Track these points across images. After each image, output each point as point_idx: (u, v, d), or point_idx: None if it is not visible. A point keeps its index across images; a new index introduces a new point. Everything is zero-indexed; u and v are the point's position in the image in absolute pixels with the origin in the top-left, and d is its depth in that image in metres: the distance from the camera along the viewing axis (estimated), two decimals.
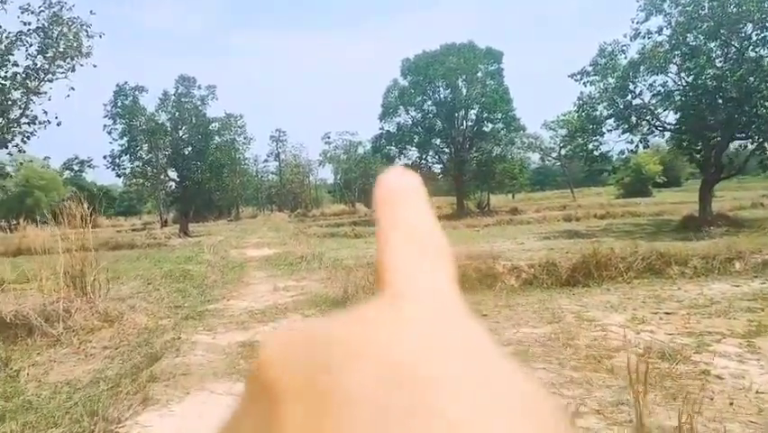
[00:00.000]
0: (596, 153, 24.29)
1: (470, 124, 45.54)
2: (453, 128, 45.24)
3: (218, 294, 11.46)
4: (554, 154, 74.79)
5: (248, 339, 7.51)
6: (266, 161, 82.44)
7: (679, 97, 22.36)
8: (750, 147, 22.82)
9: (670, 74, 22.61)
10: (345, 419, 0.22)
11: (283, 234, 31.31)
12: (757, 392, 5.27)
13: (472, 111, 45.03)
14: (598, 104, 23.48)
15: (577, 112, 24.07)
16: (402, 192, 0.34)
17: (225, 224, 56.85)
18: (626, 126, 23.20)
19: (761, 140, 21.12)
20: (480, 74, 45.15)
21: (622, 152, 26.03)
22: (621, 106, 23.28)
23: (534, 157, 78.45)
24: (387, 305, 0.27)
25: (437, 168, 48.06)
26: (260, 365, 0.26)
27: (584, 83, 23.91)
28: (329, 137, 74.28)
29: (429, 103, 45.49)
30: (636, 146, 24.32)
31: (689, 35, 20.68)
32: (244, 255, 20.22)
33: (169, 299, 11.43)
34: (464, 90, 44.53)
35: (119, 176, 43.82)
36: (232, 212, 72.50)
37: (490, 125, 45.54)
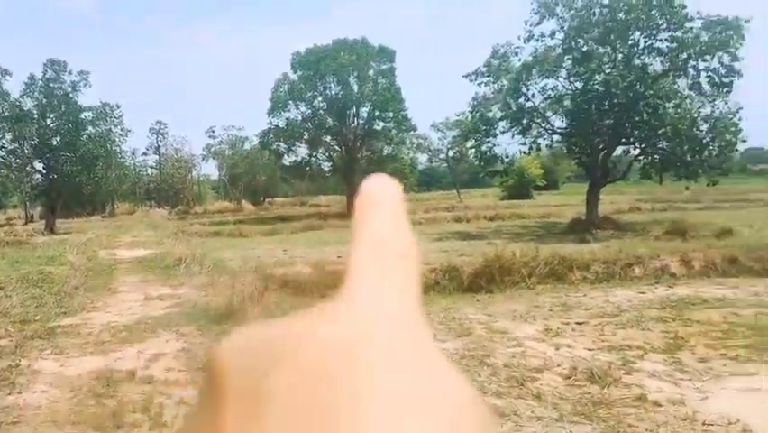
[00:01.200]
0: (489, 155, 24.22)
1: (361, 122, 44.74)
2: (344, 126, 44.28)
3: (78, 304, 9.84)
4: (442, 156, 75.67)
5: (105, 368, 6.10)
6: (145, 154, 77.84)
7: (569, 102, 22.66)
8: (633, 153, 23.55)
9: (560, 78, 22.93)
10: (270, 420, 0.24)
11: (161, 232, 29.10)
12: (704, 424, 4.68)
13: (364, 109, 44.27)
14: (492, 105, 23.40)
15: (471, 113, 23.88)
16: (379, 201, 0.34)
17: (99, 220, 52.82)
18: (519, 129, 23.25)
19: (644, 146, 21.77)
20: (372, 72, 44.47)
21: (511, 155, 26.11)
22: (514, 108, 23.30)
23: (422, 158, 79.02)
24: (333, 309, 0.28)
25: (327, 166, 46.93)
26: (212, 362, 0.27)
27: (478, 84, 23.83)
28: (213, 131, 71.15)
29: (320, 99, 44.25)
30: (530, 148, 24.49)
31: (580, 40, 20.95)
32: (114, 256, 18.26)
33: (19, 310, 9.70)
34: (356, 88, 43.67)
35: None
36: (106, 208, 67.88)
37: (382, 124, 45.01)
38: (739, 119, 21.36)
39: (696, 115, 21.87)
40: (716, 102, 22.37)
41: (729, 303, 9.07)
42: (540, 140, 24.14)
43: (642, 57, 21.31)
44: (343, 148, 45.13)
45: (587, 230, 21.88)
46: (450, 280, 11.65)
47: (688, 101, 22.62)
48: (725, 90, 20.65)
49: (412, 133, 50.86)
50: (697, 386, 5.54)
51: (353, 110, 44.55)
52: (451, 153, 73.66)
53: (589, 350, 6.88)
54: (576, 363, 6.26)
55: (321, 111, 44.49)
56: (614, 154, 23.14)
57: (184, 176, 78.20)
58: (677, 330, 7.66)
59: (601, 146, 22.92)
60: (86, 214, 64.23)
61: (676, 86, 22.15)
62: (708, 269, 11.51)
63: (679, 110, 21.54)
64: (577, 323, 8.30)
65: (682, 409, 4.98)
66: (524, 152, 25.06)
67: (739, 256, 11.72)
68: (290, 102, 44.48)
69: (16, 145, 39.63)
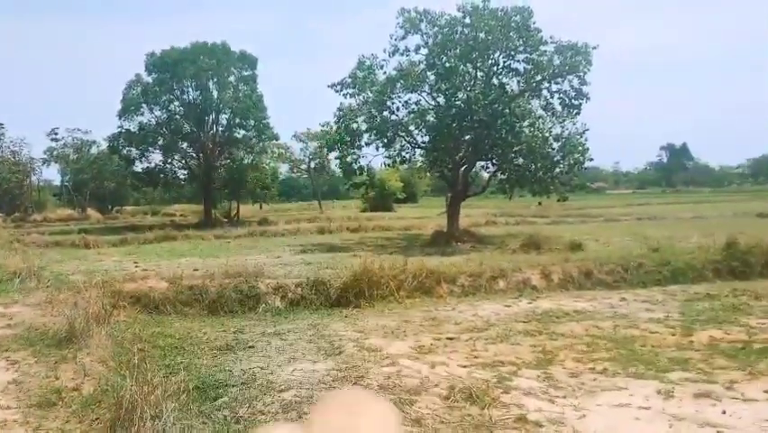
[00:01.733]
0: (354, 166, 24.09)
1: (221, 129, 43.14)
2: (203, 132, 42.42)
3: None
4: (303, 166, 75.09)
5: None
6: None
7: (432, 117, 23.09)
8: (491, 168, 24.43)
9: (423, 93, 23.29)
10: None
11: None
12: None
13: (224, 116, 42.71)
14: (357, 117, 23.31)
15: (336, 123, 23.63)
16: None
17: None
18: (384, 141, 23.34)
19: (501, 162, 22.63)
20: (232, 78, 43.09)
21: (374, 168, 26.15)
22: (378, 121, 23.36)
23: (283, 168, 77.88)
24: None
25: (183, 173, 44.72)
26: None
27: (344, 95, 23.65)
28: (56, 133, 65.67)
29: (177, 103, 42.08)
30: (393, 161, 24.65)
31: (443, 56, 21.41)
32: None
33: None
34: (215, 93, 42.07)
35: None
36: None
37: (242, 132, 43.67)
38: (585, 139, 22.81)
39: (548, 135, 23.08)
40: (565, 123, 23.78)
41: (589, 316, 9.38)
42: (404, 153, 24.33)
43: (500, 76, 22.19)
44: (201, 155, 43.25)
45: (448, 242, 22.35)
46: (317, 295, 11.22)
47: (540, 121, 23.83)
48: (575, 112, 22.00)
49: (273, 142, 49.86)
50: (573, 403, 5.52)
51: (212, 116, 42.88)
52: (312, 164, 73.47)
53: (464, 367, 6.74)
54: (453, 381, 6.05)
55: (177, 116, 42.39)
56: (473, 170, 23.82)
57: (21, 180, 71.58)
58: (545, 344, 7.74)
59: (462, 161, 23.53)
60: None
61: (530, 106, 23.28)
62: (566, 282, 11.97)
63: (533, 129, 22.58)
64: (448, 338, 8.18)
65: (563, 430, 4.90)
66: (388, 165, 25.19)
67: (593, 270, 12.30)
68: (144, 105, 41.97)
69: None
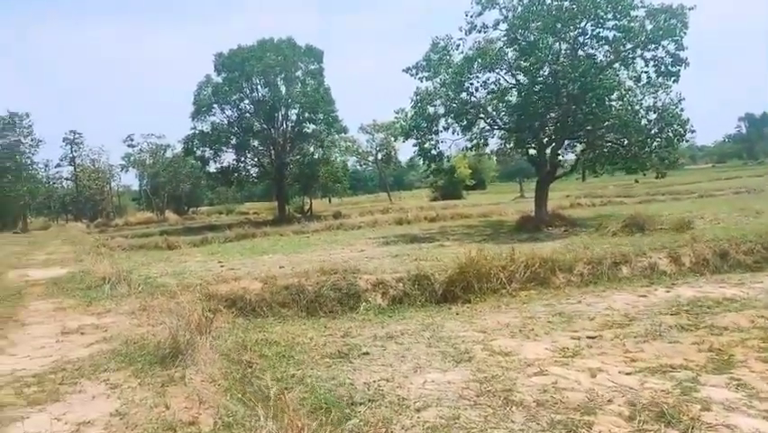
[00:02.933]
0: (434, 152, 23.08)
1: (290, 124, 42.90)
2: (273, 128, 42.30)
3: None
4: (371, 158, 74.57)
5: None
6: (59, 165, 72.96)
7: (515, 95, 21.81)
8: (578, 147, 22.93)
9: (502, 71, 21.98)
10: None
11: (80, 247, 26.47)
12: None
13: (293, 111, 42.45)
14: (434, 100, 22.26)
15: (413, 108, 22.65)
16: None
17: (11, 236, 48.42)
18: (463, 125, 22.21)
19: (591, 139, 21.11)
20: (299, 72, 42.75)
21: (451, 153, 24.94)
22: (456, 104, 22.25)
23: (350, 161, 77.58)
24: None
25: (255, 171, 44.68)
26: None
27: (419, 78, 22.65)
28: (132, 139, 67.30)
29: (246, 101, 42.09)
30: (477, 145, 23.48)
31: (525, 30, 20.04)
32: (26, 277, 15.95)
33: None
34: (283, 89, 41.81)
35: None
36: (18, 223, 63.01)
37: (312, 126, 43.30)
38: (681, 110, 21.04)
39: (638, 107, 21.48)
40: (658, 93, 22.04)
41: (746, 304, 8.11)
42: (485, 135, 23.10)
43: (586, 47, 20.66)
44: (272, 152, 43.14)
45: (538, 228, 21.04)
46: (420, 290, 10.32)
47: (630, 93, 22.19)
48: (672, 79, 20.23)
49: (344, 135, 49.37)
50: None
51: (282, 112, 42.66)
52: (380, 156, 72.82)
53: (628, 374, 5.66)
54: (627, 394, 5.00)
55: (248, 114, 42.45)
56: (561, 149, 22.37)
57: (102, 187, 73.99)
58: (710, 341, 6.56)
59: (548, 141, 22.14)
60: None
61: (618, 76, 21.68)
62: (700, 265, 10.65)
63: (622, 102, 21.04)
64: (589, 337, 7.10)
65: None
66: (469, 149, 23.97)
67: (729, 250, 10.91)
68: (215, 105, 42.16)
69: None
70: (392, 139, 70.72)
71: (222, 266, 17.42)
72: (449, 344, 7.21)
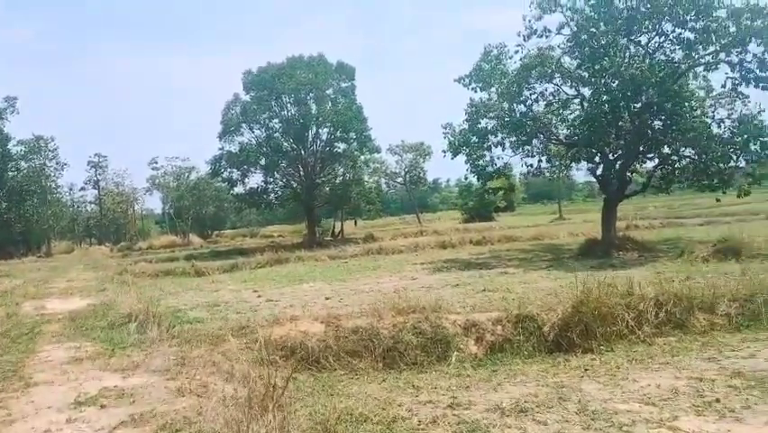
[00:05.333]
0: (489, 169, 21.01)
1: (321, 143, 41.13)
2: (303, 148, 40.55)
3: None
4: (399, 179, 72.73)
5: None
6: (83, 188, 72.08)
7: (577, 106, 19.77)
8: (649, 162, 20.75)
9: (565, 81, 19.92)
10: None
11: (103, 273, 24.67)
12: None
13: (324, 130, 40.69)
14: (489, 112, 20.25)
15: (467, 121, 20.68)
16: None
17: (34, 261, 46.97)
18: (522, 140, 20.12)
19: (670, 153, 18.88)
20: (330, 90, 41.08)
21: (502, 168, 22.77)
22: (512, 117, 20.25)
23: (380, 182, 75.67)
24: None
25: (285, 192, 42.83)
26: None
27: (472, 89, 20.67)
28: (156, 162, 66.10)
29: (276, 120, 40.43)
30: (539, 162, 21.37)
31: (595, 32, 17.96)
32: (43, 310, 14.03)
33: None
34: (314, 107, 40.13)
35: None
36: (42, 247, 61.84)
37: (343, 146, 41.51)
38: (762, 121, 18.82)
39: (711, 118, 19.40)
40: (735, 103, 19.92)
41: None
42: (547, 152, 21.02)
43: (660, 51, 18.55)
44: (302, 172, 41.38)
45: (608, 252, 18.83)
46: (525, 335, 8.20)
47: (708, 101, 20.09)
48: (762, 86, 18.00)
49: (378, 155, 47.63)
50: None
51: (312, 131, 40.94)
52: (408, 177, 70.89)
53: None
54: None
55: (277, 133, 40.76)
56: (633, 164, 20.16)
57: (126, 210, 72.94)
58: None
59: (614, 156, 19.99)
60: (20, 254, 58.29)
61: (696, 83, 19.60)
62: None
63: (698, 111, 18.94)
64: None
65: None
66: (529, 165, 21.82)
67: None
68: (243, 125, 40.61)
69: None
70: (421, 160, 69.10)
71: (259, 296, 15.50)
72: (614, 425, 5.09)
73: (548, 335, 8.07)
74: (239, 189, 42.48)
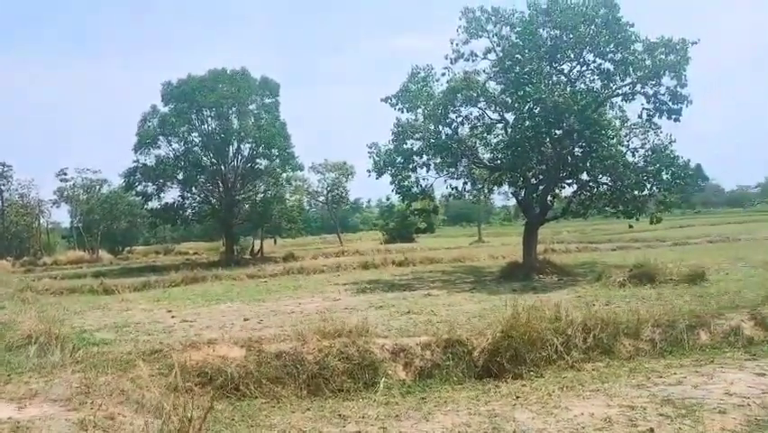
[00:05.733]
0: (414, 190, 20.94)
1: (242, 159, 40.16)
2: (224, 164, 39.48)
3: None
4: (321, 198, 72.26)
5: None
6: None
7: (501, 131, 20.07)
8: (567, 188, 21.25)
9: (490, 104, 20.20)
10: None
11: (2, 290, 23.01)
12: None
13: (246, 146, 39.76)
14: (416, 133, 20.26)
15: (393, 141, 20.60)
16: None
17: None
18: (449, 161, 20.19)
19: (589, 179, 19.40)
20: (253, 106, 40.29)
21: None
22: (437, 139, 20.33)
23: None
24: None
25: (203, 208, 41.47)
26: None
27: (399, 109, 20.64)
28: (65, 173, 62.74)
29: (195, 134, 39.12)
30: (465, 184, 21.47)
31: (520, 59, 18.30)
32: None
33: None
34: (236, 122, 39.20)
35: None
36: None
37: (265, 162, 40.70)
38: (671, 152, 19.67)
39: (633, 146, 20.19)
40: (647, 134, 20.76)
41: None
42: (473, 174, 21.16)
43: (584, 80, 19.15)
44: (222, 188, 40.26)
45: (528, 275, 19.09)
46: (454, 360, 7.99)
47: (623, 131, 20.84)
48: (673, 117, 18.83)
49: (300, 172, 46.93)
50: None
51: (234, 146, 39.98)
52: (330, 196, 70.50)
53: None
54: None
55: (197, 147, 39.52)
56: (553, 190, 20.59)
57: (30, 223, 68.78)
58: None
59: (536, 180, 20.39)
60: None
61: (613, 112, 20.32)
62: None
63: (614, 140, 19.59)
64: None
65: None
66: (454, 188, 21.89)
67: None
68: (161, 137, 39.10)
69: None
70: (343, 179, 68.96)
71: (173, 317, 14.76)
72: None
73: (478, 360, 7.89)
74: (154, 204, 40.75)
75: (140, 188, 39.86)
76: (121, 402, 6.20)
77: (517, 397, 6.84)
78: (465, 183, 21.50)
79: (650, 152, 19.76)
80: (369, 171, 21.51)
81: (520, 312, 8.23)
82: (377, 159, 21.55)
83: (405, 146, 21.26)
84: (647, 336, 8.40)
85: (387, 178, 21.45)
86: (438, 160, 20.85)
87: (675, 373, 7.22)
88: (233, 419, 6.47)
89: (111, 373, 7.27)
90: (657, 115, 19.09)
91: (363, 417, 6.50)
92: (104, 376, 7.06)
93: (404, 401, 7.05)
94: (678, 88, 18.75)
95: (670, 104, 18.81)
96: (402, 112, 20.74)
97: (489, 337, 8.03)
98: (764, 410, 5.75)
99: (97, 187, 63.42)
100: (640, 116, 19.39)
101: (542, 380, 7.41)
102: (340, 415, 6.62)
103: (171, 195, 40.43)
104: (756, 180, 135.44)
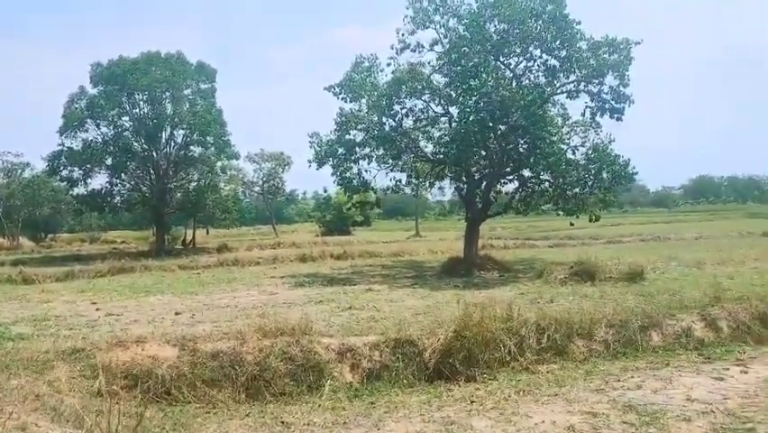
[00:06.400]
0: (355, 182, 20.40)
1: (175, 146, 38.61)
2: (156, 150, 37.83)
3: None
4: (257, 189, 70.85)
5: None
6: None
7: (445, 126, 19.78)
8: (509, 184, 21.17)
9: (435, 96, 19.87)
10: None
11: None
12: None
13: (179, 132, 38.21)
14: (359, 125, 19.74)
15: (336, 132, 19.99)
16: None
17: None
18: (393, 153, 19.74)
19: (531, 176, 19.36)
20: (189, 91, 38.76)
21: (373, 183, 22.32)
22: (380, 131, 19.87)
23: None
24: None
25: (133, 195, 39.69)
26: None
27: (342, 99, 20.05)
28: None
29: (126, 118, 37.36)
30: (409, 177, 21.03)
31: (467, 52, 17.99)
32: None
33: None
34: (170, 107, 37.63)
35: None
36: None
37: (200, 150, 39.28)
38: (612, 150, 19.86)
39: (574, 144, 20.29)
40: (588, 132, 20.95)
41: None
42: (416, 167, 20.81)
43: (531, 75, 19.03)
44: (153, 175, 38.61)
45: (469, 271, 18.89)
46: (405, 361, 7.55)
47: (564, 129, 20.92)
48: (616, 117, 18.96)
49: (236, 161, 45.70)
50: None
51: (167, 132, 38.36)
52: (266, 187, 69.17)
53: None
54: None
55: (127, 132, 37.73)
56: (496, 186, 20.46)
57: None
58: None
59: (480, 176, 20.21)
60: None
61: (556, 110, 20.37)
62: (742, 332, 8.63)
63: (556, 137, 19.60)
64: None
65: None
66: (398, 181, 21.43)
67: None
68: (88, 120, 37.11)
69: None
70: (280, 170, 67.76)
71: (98, 309, 13.83)
72: None
73: (429, 361, 7.48)
74: (80, 190, 38.71)
75: (65, 173, 37.78)
76: (35, 410, 5.48)
77: (472, 402, 6.46)
78: (410, 176, 21.10)
79: (591, 151, 19.87)
80: (309, 162, 20.87)
81: (472, 311, 7.85)
82: (318, 149, 20.92)
83: (347, 137, 20.73)
84: (601, 336, 8.19)
85: (327, 169, 20.92)
86: (381, 152, 20.40)
87: (633, 377, 6.99)
88: (163, 428, 5.84)
89: (25, 375, 6.49)
90: (600, 113, 19.16)
91: (308, 424, 5.99)
92: (16, 379, 6.28)
93: (352, 406, 6.57)
94: (621, 88, 18.86)
95: (613, 103, 18.91)
96: (345, 102, 20.18)
97: (440, 337, 7.63)
98: (729, 418, 5.55)
99: (19, 171, 60.16)
100: (583, 114, 19.43)
101: (496, 383, 7.06)
102: (282, 422, 6.09)
103: (99, 181, 38.51)
104: (680, 182, 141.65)
